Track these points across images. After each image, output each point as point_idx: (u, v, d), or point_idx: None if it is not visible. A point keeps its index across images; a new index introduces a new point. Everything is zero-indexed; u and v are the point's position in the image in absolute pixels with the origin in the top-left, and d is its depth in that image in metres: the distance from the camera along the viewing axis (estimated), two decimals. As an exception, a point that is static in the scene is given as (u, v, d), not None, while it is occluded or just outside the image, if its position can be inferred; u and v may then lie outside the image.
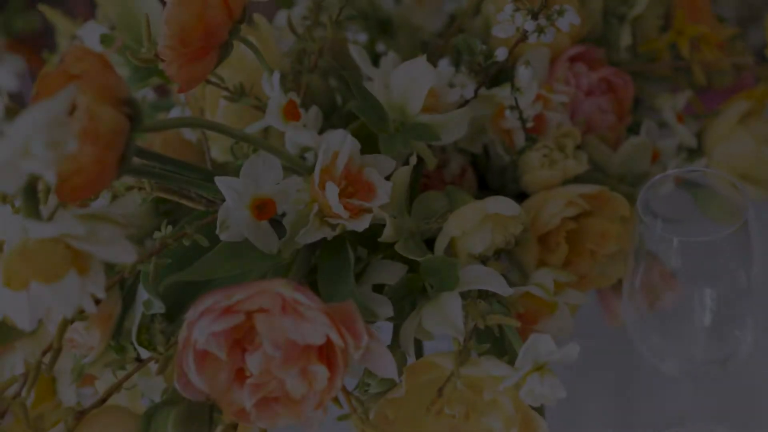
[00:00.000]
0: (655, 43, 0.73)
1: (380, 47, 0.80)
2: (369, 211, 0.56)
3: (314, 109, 0.62)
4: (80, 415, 0.50)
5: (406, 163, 0.59)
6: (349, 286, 0.54)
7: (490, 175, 0.72)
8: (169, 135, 0.67)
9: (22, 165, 0.38)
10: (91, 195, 0.46)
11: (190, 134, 0.66)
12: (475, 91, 0.62)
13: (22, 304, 0.44)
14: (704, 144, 0.72)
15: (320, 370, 0.48)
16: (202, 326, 0.47)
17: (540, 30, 0.58)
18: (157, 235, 0.55)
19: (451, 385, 0.50)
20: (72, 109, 0.44)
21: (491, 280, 0.54)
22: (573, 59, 0.70)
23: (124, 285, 0.62)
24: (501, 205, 0.57)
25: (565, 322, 0.58)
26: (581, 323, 0.66)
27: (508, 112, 0.63)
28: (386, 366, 0.51)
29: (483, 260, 0.58)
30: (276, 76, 0.58)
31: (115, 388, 0.51)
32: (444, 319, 0.53)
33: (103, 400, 0.51)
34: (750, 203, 0.56)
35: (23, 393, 0.48)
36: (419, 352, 0.66)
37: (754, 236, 0.56)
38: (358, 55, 0.64)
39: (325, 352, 0.48)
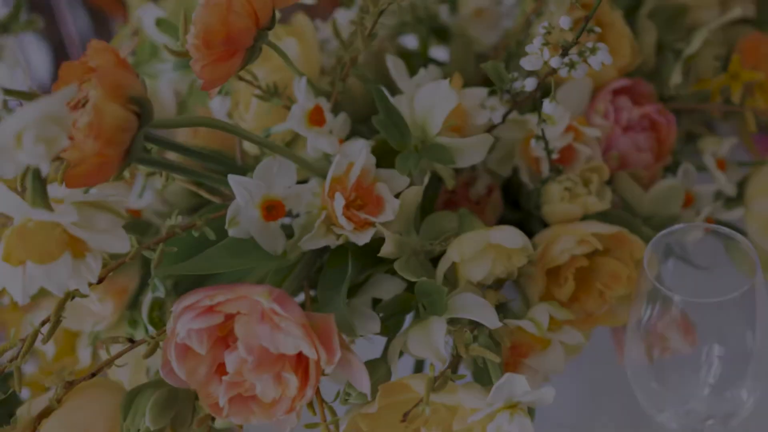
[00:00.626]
0: (707, 83, 0.70)
1: (433, 53, 0.79)
2: (373, 225, 0.56)
3: (342, 116, 0.62)
4: (69, 385, 0.52)
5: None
6: (341, 297, 0.55)
7: (521, 198, 0.71)
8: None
9: (14, 155, 0.40)
10: (93, 184, 0.47)
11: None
12: (504, 117, 0.61)
13: (18, 280, 0.46)
14: (745, 194, 0.69)
15: (292, 379, 0.49)
16: (184, 321, 0.48)
17: (571, 65, 0.57)
18: (167, 222, 0.56)
19: (420, 410, 0.50)
20: (85, 101, 0.46)
21: (480, 311, 0.54)
22: (617, 92, 0.68)
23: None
24: (504, 236, 0.56)
25: (556, 360, 0.57)
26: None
27: (533, 142, 0.61)
28: (361, 381, 0.52)
29: (483, 287, 0.58)
30: (303, 81, 0.59)
31: (106, 364, 0.53)
32: (428, 343, 0.53)
33: (93, 375, 0.53)
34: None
35: (19, 358, 0.51)
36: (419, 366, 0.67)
37: (760, 300, 0.54)
38: (393, 66, 0.63)
39: (299, 362, 0.49)
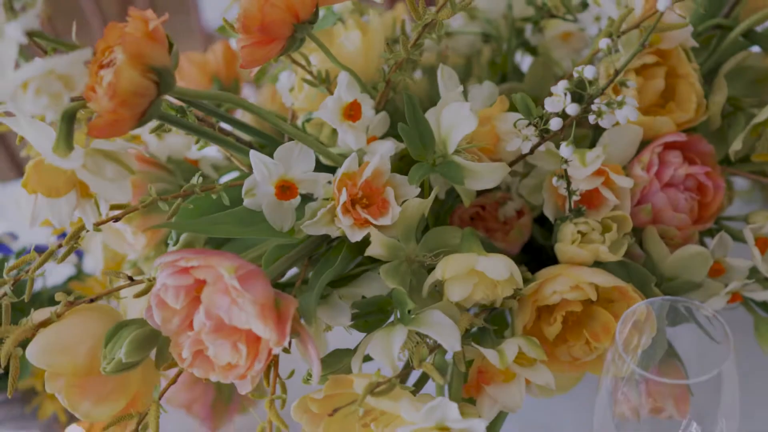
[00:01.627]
0: (762, 157, 0.65)
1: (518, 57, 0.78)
2: (370, 225, 0.57)
3: (382, 115, 0.63)
4: (70, 304, 0.57)
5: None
6: (317, 285, 0.56)
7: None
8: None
9: (22, 102, 0.44)
10: (107, 137, 0.51)
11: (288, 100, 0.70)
12: (532, 149, 0.60)
13: (30, 206, 0.51)
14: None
15: (243, 351, 0.52)
16: (162, 276, 0.52)
17: (599, 114, 0.55)
18: (192, 181, 0.60)
19: (352, 409, 0.51)
20: (114, 62, 0.49)
21: (442, 331, 0.54)
22: (670, 146, 0.65)
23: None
24: (490, 265, 0.55)
25: (515, 395, 0.57)
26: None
27: (555, 180, 0.60)
28: (313, 366, 0.54)
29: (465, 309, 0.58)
30: (344, 75, 0.60)
31: (105, 294, 0.58)
32: (385, 349, 0.54)
33: (92, 300, 0.57)
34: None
35: (31, 270, 0.56)
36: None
37: (726, 389, 0.51)
38: (441, 75, 0.63)
39: (253, 337, 0.52)
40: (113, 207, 0.58)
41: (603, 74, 0.64)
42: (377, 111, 0.63)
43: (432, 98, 0.73)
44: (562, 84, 0.54)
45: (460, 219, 0.68)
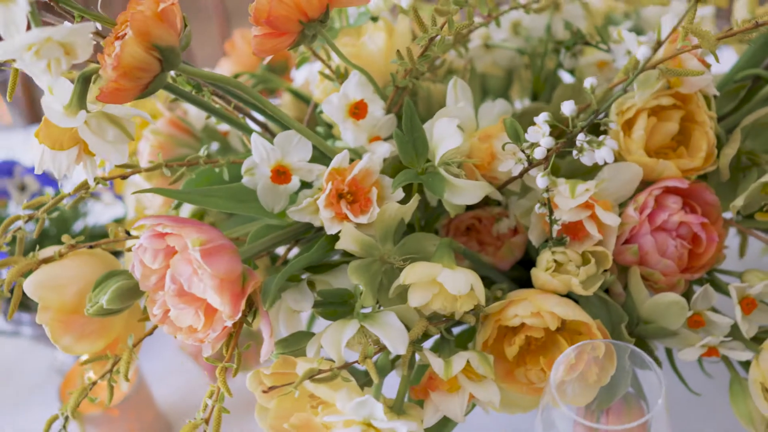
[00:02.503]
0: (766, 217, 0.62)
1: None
2: (348, 221, 0.59)
3: (390, 117, 0.64)
4: (72, 248, 0.62)
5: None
6: (292, 267, 0.59)
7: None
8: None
9: (23, 61, 0.48)
10: (111, 103, 0.54)
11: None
12: (521, 173, 0.60)
13: (37, 155, 0.55)
14: (763, 343, 0.62)
15: (201, 318, 0.55)
16: (143, 236, 0.55)
17: (580, 150, 0.54)
18: (200, 152, 0.63)
19: (288, 390, 0.53)
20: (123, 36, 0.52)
21: (389, 332, 0.55)
22: (671, 190, 0.63)
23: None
24: (450, 278, 0.56)
25: (456, 407, 0.57)
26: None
27: (537, 206, 0.60)
28: (264, 345, 0.56)
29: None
30: (355, 75, 0.62)
31: (103, 243, 0.62)
32: (335, 339, 0.56)
33: (90, 246, 0.62)
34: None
35: (41, 211, 0.61)
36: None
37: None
38: (453, 86, 0.63)
39: (211, 307, 0.54)
40: (119, 165, 0.62)
41: (614, 110, 0.63)
42: (388, 112, 0.64)
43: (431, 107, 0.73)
44: (543, 116, 0.54)
45: (456, 228, 0.69)
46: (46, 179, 0.93)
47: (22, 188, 0.90)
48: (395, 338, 0.55)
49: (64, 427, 0.62)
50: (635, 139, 0.63)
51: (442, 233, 0.70)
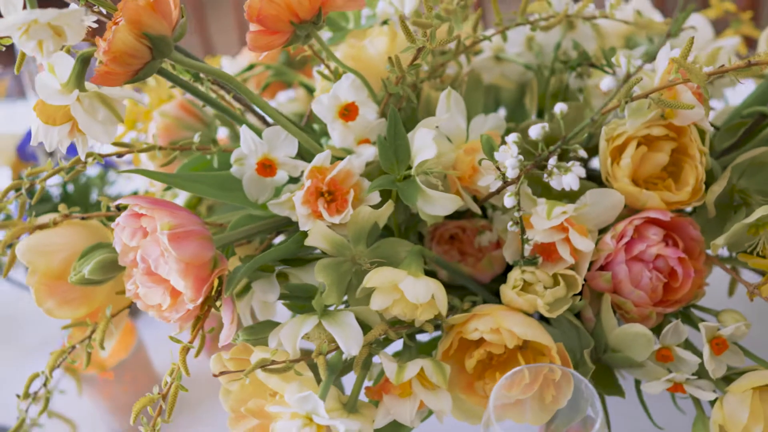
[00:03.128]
0: (748, 258, 0.60)
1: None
2: (321, 219, 0.59)
3: (381, 121, 0.64)
4: (65, 217, 0.64)
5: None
6: (263, 258, 0.60)
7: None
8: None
9: (15, 40, 0.50)
10: (102, 85, 0.56)
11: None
12: (498, 190, 0.59)
13: (34, 127, 0.58)
14: (729, 387, 0.60)
15: (167, 298, 0.56)
16: (122, 215, 0.57)
17: (550, 174, 0.54)
18: (194, 138, 0.64)
19: (240, 377, 0.54)
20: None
21: (343, 333, 0.56)
22: (653, 221, 0.62)
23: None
24: (411, 287, 0.56)
25: (406, 412, 0.58)
26: None
27: (510, 224, 0.59)
28: (224, 332, 0.57)
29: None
30: (348, 77, 0.62)
31: (94, 216, 0.64)
32: (292, 333, 0.57)
33: (83, 218, 0.64)
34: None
35: (44, 177, 0.63)
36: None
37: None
38: (446, 97, 0.63)
39: (176, 289, 0.56)
40: (116, 144, 0.64)
41: (604, 136, 0.62)
42: (382, 116, 0.65)
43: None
44: (512, 137, 0.53)
45: (440, 236, 0.69)
46: (72, 148, 0.96)
47: (51, 154, 0.93)
48: (349, 338, 0.56)
49: (45, 384, 0.65)
50: (622, 166, 0.62)
51: (427, 239, 0.70)
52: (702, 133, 0.62)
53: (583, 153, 0.53)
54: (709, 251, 0.63)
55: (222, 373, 0.55)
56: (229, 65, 0.85)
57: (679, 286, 0.62)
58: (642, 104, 0.61)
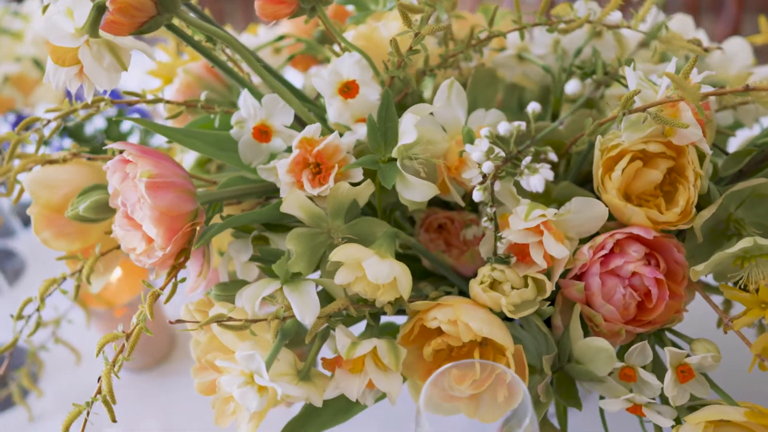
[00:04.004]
0: (726, 289, 0.57)
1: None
2: (302, 189, 0.59)
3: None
4: (74, 156, 0.66)
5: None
6: (239, 219, 0.60)
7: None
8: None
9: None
10: (109, 32, 0.57)
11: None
12: (478, 184, 0.58)
13: (47, 66, 0.60)
14: (687, 416, 0.58)
15: (143, 244, 0.57)
16: (113, 160, 0.58)
17: (521, 174, 0.52)
18: (201, 99, 0.66)
19: (195, 328, 0.55)
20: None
21: (301, 303, 0.56)
22: (635, 238, 0.59)
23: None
24: (374, 267, 0.55)
25: (352, 387, 0.57)
26: None
27: (483, 220, 0.58)
28: (188, 283, 0.58)
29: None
30: (353, 55, 0.61)
31: (98, 159, 0.66)
32: (253, 294, 0.57)
33: (89, 158, 0.66)
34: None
35: (57, 117, 0.66)
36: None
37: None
38: (448, 87, 0.62)
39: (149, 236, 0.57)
40: (126, 93, 0.66)
41: (598, 146, 0.60)
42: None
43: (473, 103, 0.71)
44: (484, 131, 0.52)
45: (430, 224, 0.68)
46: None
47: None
48: (305, 307, 0.56)
49: (38, 309, 0.68)
50: (612, 178, 0.59)
51: (417, 225, 0.69)
52: (702, 156, 0.59)
53: (553, 156, 0.51)
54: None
55: (178, 321, 0.56)
56: (265, 34, 0.85)
57: (653, 307, 0.59)
58: (640, 118, 0.58)
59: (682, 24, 0.79)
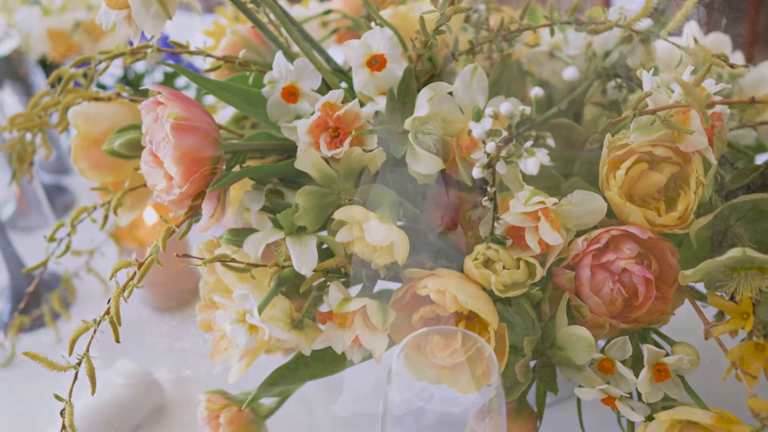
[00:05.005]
0: (711, 296, 0.57)
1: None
2: (318, 150, 0.61)
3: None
4: (117, 95, 0.69)
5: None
6: (255, 170, 0.62)
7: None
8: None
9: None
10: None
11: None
12: (484, 167, 0.59)
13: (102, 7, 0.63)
14: (655, 416, 0.58)
15: (164, 181, 0.60)
16: (148, 101, 0.61)
17: (519, 156, 0.53)
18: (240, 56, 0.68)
19: (198, 264, 0.58)
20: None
21: (302, 254, 0.58)
22: (631, 236, 0.59)
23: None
24: (373, 229, 0.56)
25: (338, 341, 0.59)
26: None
27: (485, 200, 0.59)
28: (201, 222, 0.61)
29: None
30: (380, 30, 0.63)
31: (137, 100, 0.69)
32: (257, 242, 0.59)
33: (132, 100, 0.69)
34: None
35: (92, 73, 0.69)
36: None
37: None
38: (471, 72, 0.63)
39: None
40: (172, 42, 0.68)
41: (606, 144, 0.60)
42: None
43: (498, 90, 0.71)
44: (489, 111, 0.53)
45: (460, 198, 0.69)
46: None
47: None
48: (303, 259, 0.58)
49: (69, 234, 0.72)
50: (616, 177, 0.60)
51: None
52: (708, 165, 0.59)
53: (551, 142, 0.51)
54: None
55: (184, 255, 0.58)
56: (316, 7, 0.88)
57: (638, 305, 0.59)
58: (649, 120, 0.59)
59: (719, 42, 0.78)
